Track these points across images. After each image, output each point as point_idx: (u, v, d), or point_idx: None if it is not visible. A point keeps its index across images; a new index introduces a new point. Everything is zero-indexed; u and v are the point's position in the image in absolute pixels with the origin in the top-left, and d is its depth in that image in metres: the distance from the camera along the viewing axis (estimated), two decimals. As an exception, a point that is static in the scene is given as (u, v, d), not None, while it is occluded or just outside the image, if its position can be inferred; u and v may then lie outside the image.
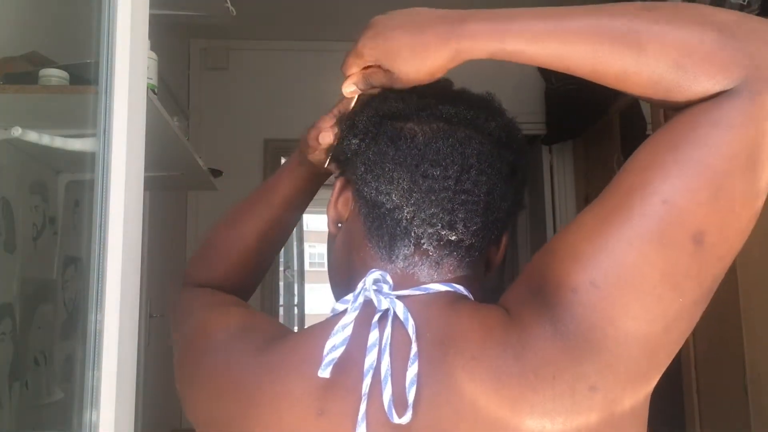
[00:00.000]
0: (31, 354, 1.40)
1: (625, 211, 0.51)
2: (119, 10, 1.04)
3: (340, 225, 0.69)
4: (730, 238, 0.51)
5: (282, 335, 0.62)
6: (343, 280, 0.68)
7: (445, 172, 0.61)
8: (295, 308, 4.10)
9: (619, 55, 0.53)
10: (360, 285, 0.60)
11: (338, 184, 0.69)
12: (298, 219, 0.87)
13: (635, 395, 0.53)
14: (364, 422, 0.53)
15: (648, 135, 0.58)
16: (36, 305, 1.43)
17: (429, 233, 0.61)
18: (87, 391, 1.01)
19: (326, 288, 0.73)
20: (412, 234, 0.62)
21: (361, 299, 0.59)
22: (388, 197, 0.62)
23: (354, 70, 0.65)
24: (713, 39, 0.50)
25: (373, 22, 0.63)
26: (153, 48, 1.28)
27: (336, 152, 0.71)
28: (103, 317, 1.02)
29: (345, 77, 0.66)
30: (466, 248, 0.63)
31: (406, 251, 0.62)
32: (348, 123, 0.68)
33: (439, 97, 0.65)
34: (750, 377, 1.77)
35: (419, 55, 0.59)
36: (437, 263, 0.62)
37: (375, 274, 0.60)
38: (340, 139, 0.69)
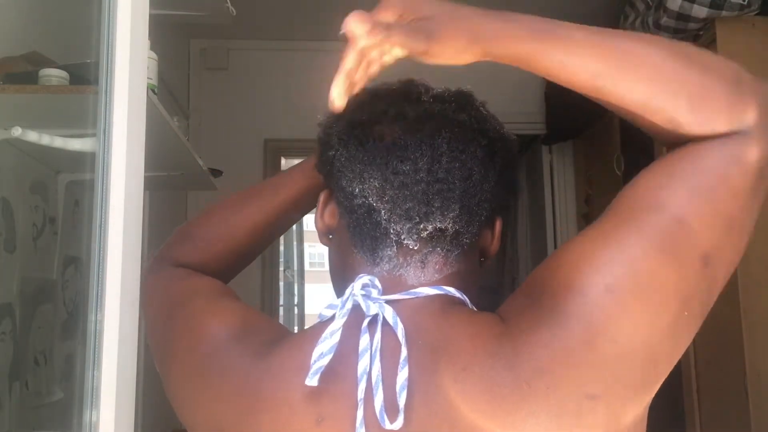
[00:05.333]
0: (31, 354, 1.40)
1: (640, 224, 0.52)
2: (119, 10, 1.03)
3: (331, 236, 0.69)
4: (733, 261, 0.55)
5: (279, 338, 0.61)
6: (342, 290, 0.68)
7: (414, 165, 0.60)
8: (296, 308, 4.10)
9: (634, 78, 0.54)
10: (348, 290, 0.60)
11: (322, 197, 0.69)
12: (297, 220, 0.86)
13: (637, 404, 0.53)
14: (363, 428, 0.53)
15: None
16: (36, 305, 1.43)
17: (407, 228, 0.60)
18: (87, 391, 1.00)
19: (326, 288, 0.73)
20: (392, 232, 0.61)
21: (349, 305, 0.58)
22: (363, 199, 0.62)
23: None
24: (728, 84, 0.53)
25: None
26: (153, 48, 1.28)
27: (317, 167, 0.71)
28: (103, 317, 1.02)
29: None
30: (451, 239, 0.62)
31: (389, 252, 0.62)
32: (323, 138, 0.69)
33: (404, 99, 0.65)
34: (750, 377, 1.77)
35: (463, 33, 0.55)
36: (422, 262, 0.62)
37: (364, 279, 0.60)
38: (319, 153, 0.70)
